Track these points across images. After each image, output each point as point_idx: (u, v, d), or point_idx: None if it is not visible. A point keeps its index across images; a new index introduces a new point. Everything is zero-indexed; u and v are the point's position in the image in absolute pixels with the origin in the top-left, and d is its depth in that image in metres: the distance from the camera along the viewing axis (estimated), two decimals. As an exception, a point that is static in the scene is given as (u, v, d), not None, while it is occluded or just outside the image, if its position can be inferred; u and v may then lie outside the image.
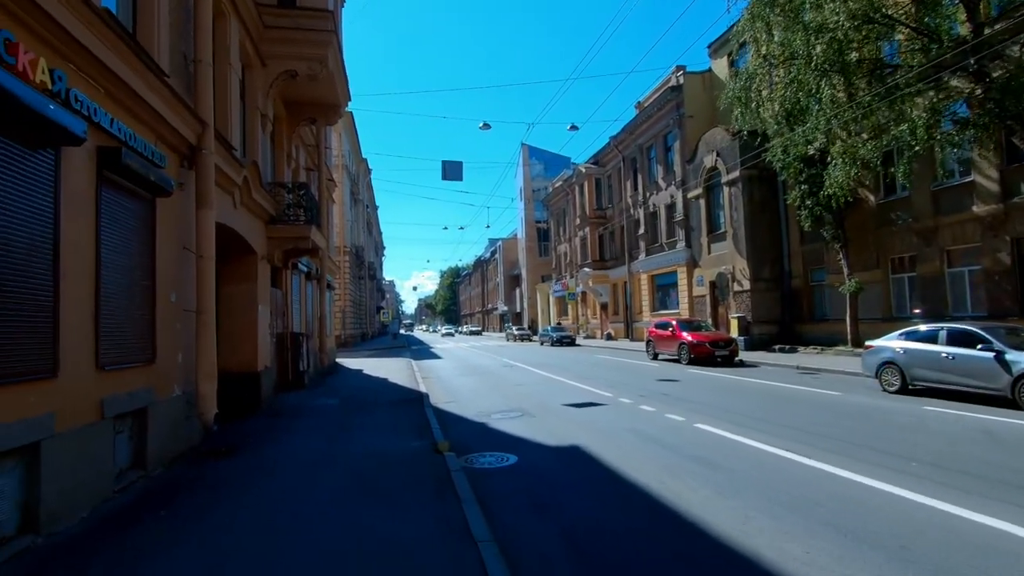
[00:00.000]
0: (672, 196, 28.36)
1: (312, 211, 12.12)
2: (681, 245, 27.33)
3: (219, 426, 7.71)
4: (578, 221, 40.35)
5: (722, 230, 24.02)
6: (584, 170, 38.01)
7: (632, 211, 33.06)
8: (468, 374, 17.75)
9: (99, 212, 4.89)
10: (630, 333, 33.25)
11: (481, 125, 23.62)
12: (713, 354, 17.48)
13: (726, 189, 23.28)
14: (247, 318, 10.32)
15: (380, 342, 44.68)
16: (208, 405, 6.69)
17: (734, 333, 20.96)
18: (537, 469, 6.25)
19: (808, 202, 18.22)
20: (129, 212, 5.50)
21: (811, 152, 17.21)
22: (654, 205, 30.40)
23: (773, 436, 7.30)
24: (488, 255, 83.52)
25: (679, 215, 27.42)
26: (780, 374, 14.67)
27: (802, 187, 18.33)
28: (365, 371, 18.33)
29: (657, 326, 20.71)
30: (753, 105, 16.28)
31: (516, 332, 41.57)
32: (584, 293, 41.28)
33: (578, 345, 33.57)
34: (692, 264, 26.43)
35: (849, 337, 17.86)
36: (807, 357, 17.88)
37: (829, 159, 15.61)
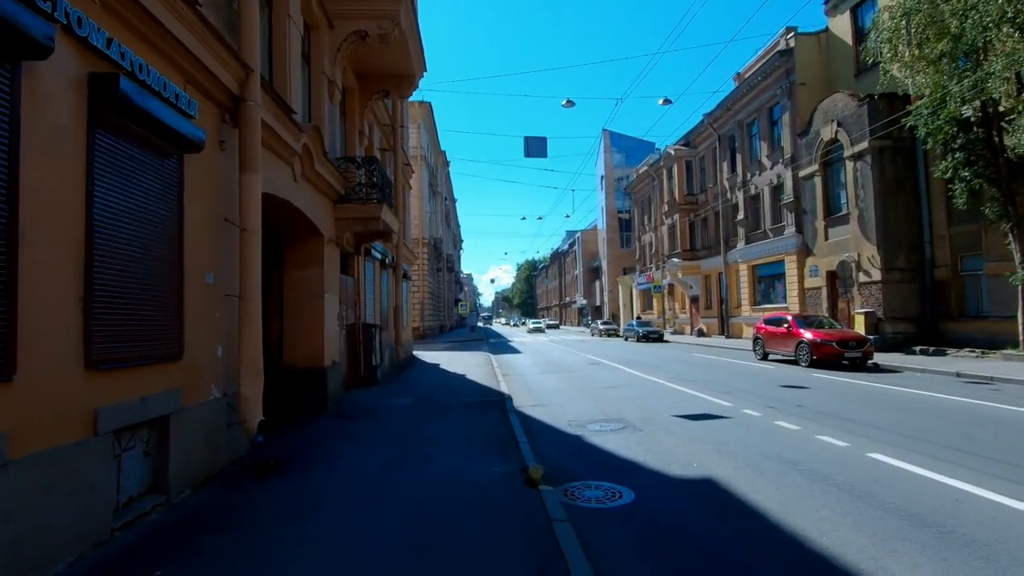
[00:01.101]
0: (778, 176, 25.18)
1: (385, 190, 10.96)
2: (790, 231, 24.16)
3: (267, 434, 6.60)
4: (666, 208, 37.54)
5: (843, 212, 20.78)
6: (673, 152, 35.15)
7: (729, 195, 29.98)
8: (551, 372, 16.14)
9: (91, 160, 3.69)
10: (726, 329, 30.27)
11: (564, 102, 21.84)
12: (842, 355, 14.75)
13: (850, 164, 20.04)
14: (312, 307, 9.28)
15: (458, 334, 44.17)
16: (252, 410, 5.50)
17: (860, 331, 17.91)
18: (666, 515, 4.51)
19: (965, 173, 14.95)
20: (144, 167, 4.32)
21: (968, 113, 14.06)
22: (756, 187, 27.25)
23: (1012, 483, 5.09)
24: (566, 247, 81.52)
25: (787, 197, 24.25)
26: (939, 383, 11.85)
27: (956, 156, 15.07)
28: (442, 366, 17.22)
29: (768, 322, 18.07)
30: (904, 53, 13.35)
31: (602, 327, 38.98)
32: (672, 286, 38.44)
33: (666, 341, 31.04)
34: (804, 252, 23.25)
35: (1022, 338, 14.48)
36: (965, 362, 14.68)
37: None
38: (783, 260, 24.81)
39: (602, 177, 59.82)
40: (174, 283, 4.68)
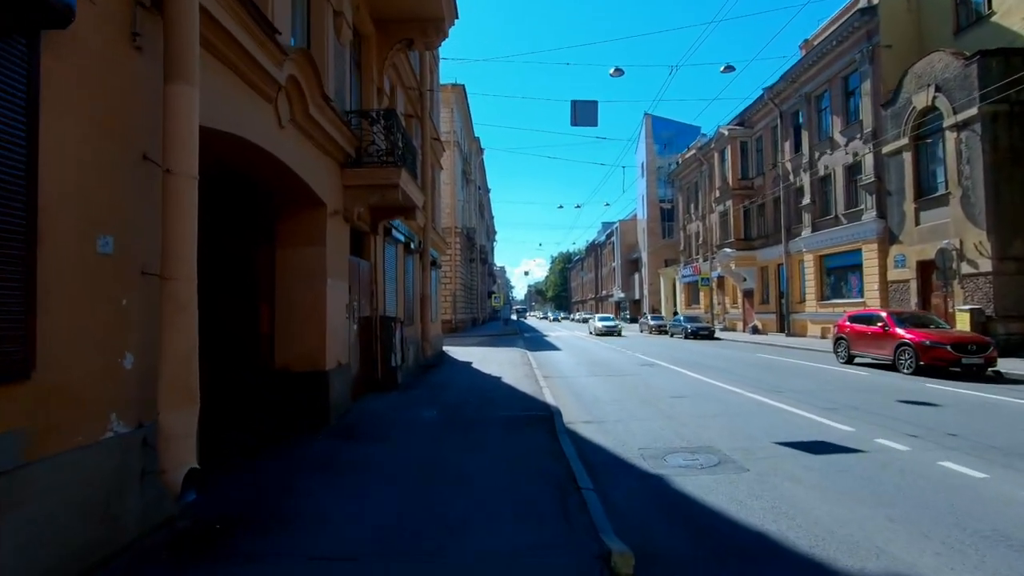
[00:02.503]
0: (855, 153, 22.18)
1: (407, 157, 8.94)
2: (869, 215, 21.20)
3: (240, 464, 4.64)
4: (716, 194, 34.61)
5: (940, 192, 17.81)
6: (727, 132, 32.20)
7: (792, 178, 27.00)
8: (599, 374, 13.93)
9: None
10: (786, 326, 27.38)
11: (612, 71, 19.44)
12: (957, 361, 12.10)
13: (951, 135, 17.06)
14: (312, 295, 7.36)
15: (491, 327, 42.32)
16: (177, 453, 3.50)
17: (964, 330, 15.05)
18: None
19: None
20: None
21: None
22: (826, 167, 24.25)
23: None
24: (603, 238, 78.68)
25: (867, 177, 21.28)
26: (1111, 401, 9.18)
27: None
28: (474, 364, 15.23)
29: (855, 320, 15.41)
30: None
31: (653, 322, 35.64)
32: (721, 278, 35.55)
33: (717, 338, 28.34)
34: (887, 239, 20.30)
35: None
36: (1119, 372, 11.82)
37: None
38: (859, 249, 21.86)
39: (643, 164, 56.81)
40: (13, 250, 2.72)
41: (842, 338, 15.56)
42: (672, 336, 31.30)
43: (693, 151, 40.28)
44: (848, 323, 15.53)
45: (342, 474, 5.36)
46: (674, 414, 8.62)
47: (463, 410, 8.49)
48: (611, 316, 42.26)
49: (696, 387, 11.44)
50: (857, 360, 15.15)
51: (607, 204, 55.42)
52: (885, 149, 20.03)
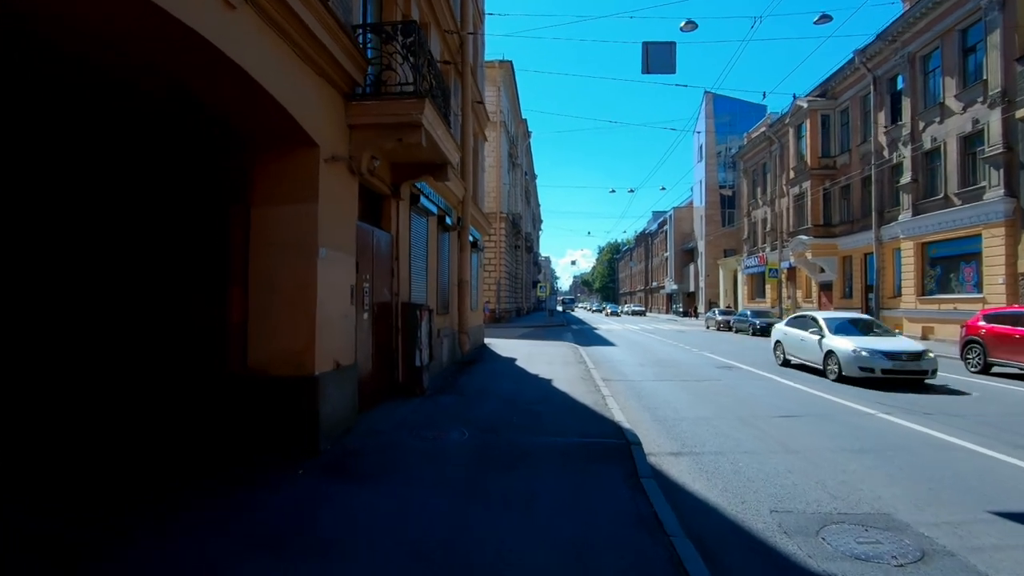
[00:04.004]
0: (975, 120, 18.58)
1: (437, 95, 6.76)
2: (995, 193, 17.65)
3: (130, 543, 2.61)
4: (791, 175, 31.04)
5: (1101, 162, 14.28)
6: (806, 105, 28.58)
7: (886, 153, 23.39)
8: (670, 377, 11.46)
9: None
10: (874, 324, 23.89)
11: (683, 24, 16.68)
12: None
13: (1121, 89, 13.53)
14: (297, 271, 5.32)
15: (535, 318, 40.14)
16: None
17: None
18: None
19: None
20: None
21: None
22: (934, 139, 20.64)
23: None
24: (654, 227, 74.93)
25: (992, 147, 17.71)
26: None
27: None
28: (519, 362, 13.06)
29: (994, 318, 12.32)
30: None
31: (720, 317, 31.80)
32: (792, 269, 32.03)
33: (792, 336, 25.10)
34: (1019, 222, 16.79)
35: None
36: None
37: None
38: (978, 234, 18.34)
39: (701, 147, 53.01)
40: None
41: (975, 342, 12.50)
42: (736, 332, 28.22)
43: (762, 129, 36.56)
44: (984, 323, 12.44)
45: (306, 558, 3.27)
46: (797, 446, 6.17)
47: (504, 431, 6.29)
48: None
49: (805, 402, 8.86)
50: (996, 370, 12.11)
51: (663, 188, 51.44)
52: (1019, 113, 16.48)
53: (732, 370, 12.84)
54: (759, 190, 38.10)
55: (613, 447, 5.68)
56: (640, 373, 12.24)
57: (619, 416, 7.16)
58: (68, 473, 4.66)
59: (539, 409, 7.55)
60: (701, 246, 52.36)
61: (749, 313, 28.44)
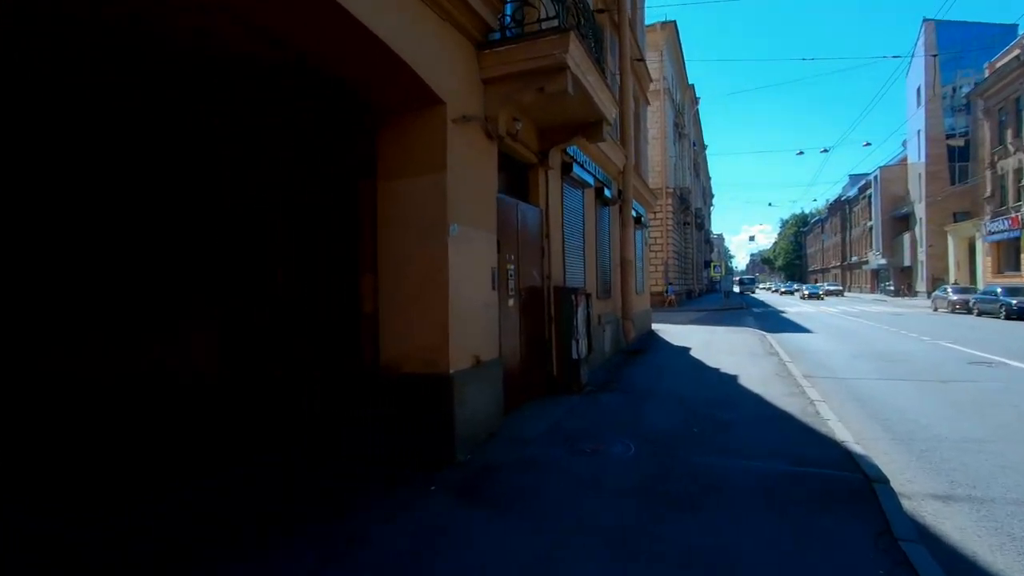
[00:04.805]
0: None
1: (587, 33, 5.56)
2: None
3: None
4: (1062, 108, 23.53)
5: None
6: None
7: None
8: (899, 376, 8.80)
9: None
10: None
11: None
12: None
13: None
14: (426, 254, 4.59)
15: (709, 301, 36.77)
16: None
17: None
18: None
19: None
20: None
21: None
22: None
23: None
24: (853, 193, 64.25)
25: None
26: None
27: None
28: (694, 352, 11.33)
29: None
30: None
31: (956, 296, 24.54)
32: (1067, 232, 24.40)
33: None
34: None
35: None
36: None
37: None
38: None
39: (918, 90, 43.52)
40: None
41: None
42: (978, 315, 22.36)
43: (1015, 52, 28.42)
44: None
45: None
46: None
47: (680, 447, 4.95)
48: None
49: None
50: None
51: (867, 144, 42.00)
52: None
53: (994, 367, 9.61)
54: (1009, 132, 29.82)
55: (841, 482, 4.03)
56: (854, 368, 9.73)
57: (840, 431, 5.33)
58: (165, 480, 4.52)
59: (725, 417, 6.00)
60: (920, 210, 43.24)
61: (1000, 290, 22.28)
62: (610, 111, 6.56)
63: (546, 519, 3.52)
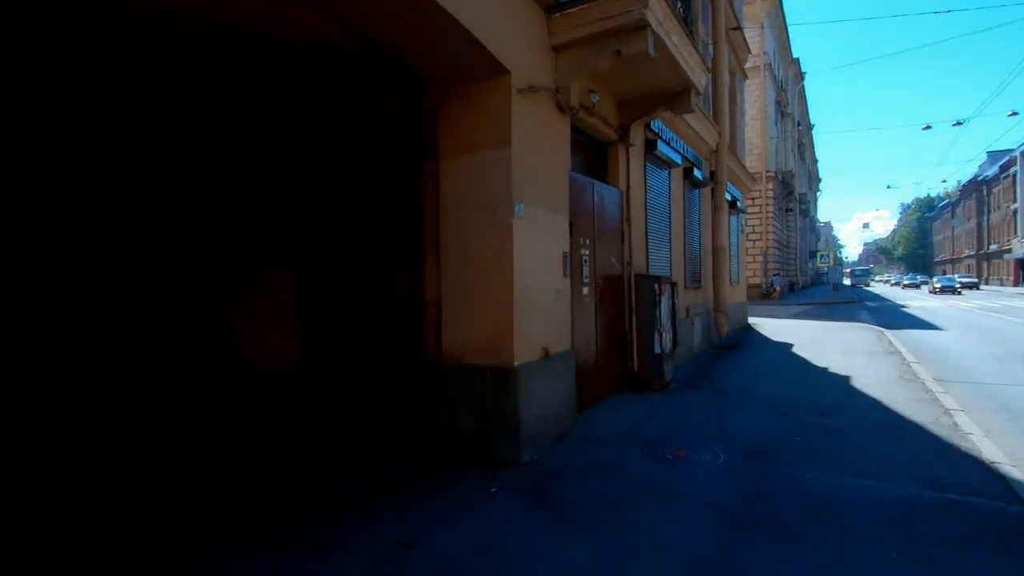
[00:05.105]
0: None
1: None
2: None
3: None
4: None
5: None
6: None
7: None
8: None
9: None
10: None
11: None
12: None
13: None
14: (488, 236, 4.27)
15: (814, 293, 33.85)
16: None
17: None
18: None
19: None
20: None
21: None
22: None
23: None
24: (993, 172, 56.41)
25: None
26: None
27: None
28: (797, 349, 10.20)
29: None
30: None
31: None
32: None
33: None
34: None
35: None
36: None
37: None
38: None
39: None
40: None
41: None
42: None
43: None
44: None
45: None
46: None
47: (781, 459, 4.26)
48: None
49: None
50: None
51: (1012, 114, 33.73)
52: None
53: None
54: None
55: (999, 516, 3.21)
56: (1001, 373, 8.23)
57: (988, 448, 4.38)
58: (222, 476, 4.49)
59: (835, 424, 5.17)
60: (1081, 189, 36.93)
61: None
62: (699, 78, 5.85)
63: (616, 535, 3.07)
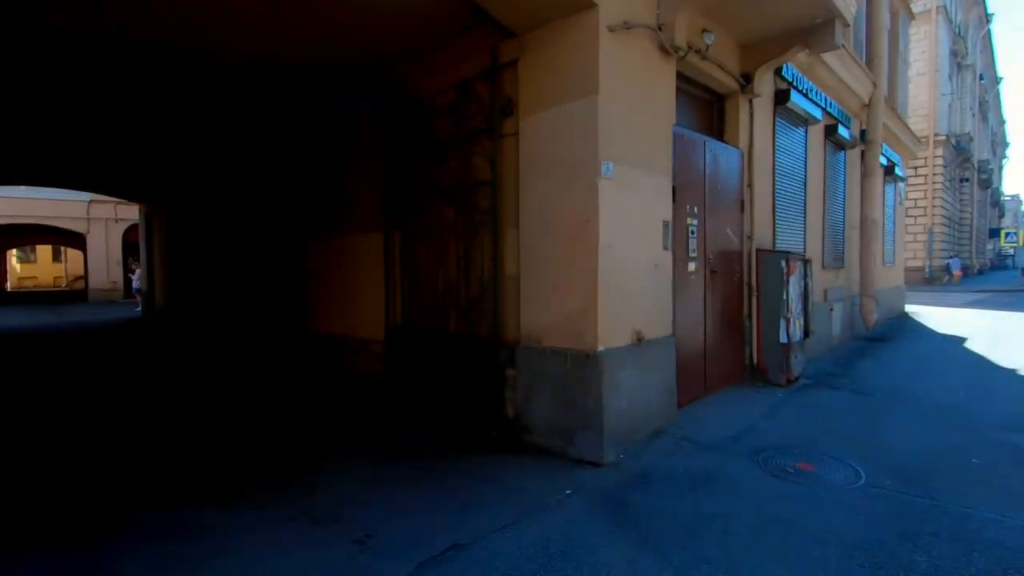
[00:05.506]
0: None
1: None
2: None
3: None
4: None
5: None
6: None
7: None
8: None
9: None
10: None
11: None
12: None
13: None
14: (568, 197, 3.72)
15: (995, 279, 28.56)
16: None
17: None
18: None
19: None
20: None
21: None
22: None
23: None
24: None
25: None
26: None
27: None
28: (970, 344, 8.35)
29: None
30: None
31: None
32: None
33: None
34: None
35: None
36: None
37: None
38: None
39: None
40: None
41: None
42: None
43: None
44: None
45: None
46: None
47: (946, 486, 3.25)
48: None
49: None
50: None
51: None
52: None
53: None
54: None
55: None
56: None
57: None
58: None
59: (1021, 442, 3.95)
60: None
61: None
62: (847, 4, 4.70)
63: (712, 569, 2.43)
